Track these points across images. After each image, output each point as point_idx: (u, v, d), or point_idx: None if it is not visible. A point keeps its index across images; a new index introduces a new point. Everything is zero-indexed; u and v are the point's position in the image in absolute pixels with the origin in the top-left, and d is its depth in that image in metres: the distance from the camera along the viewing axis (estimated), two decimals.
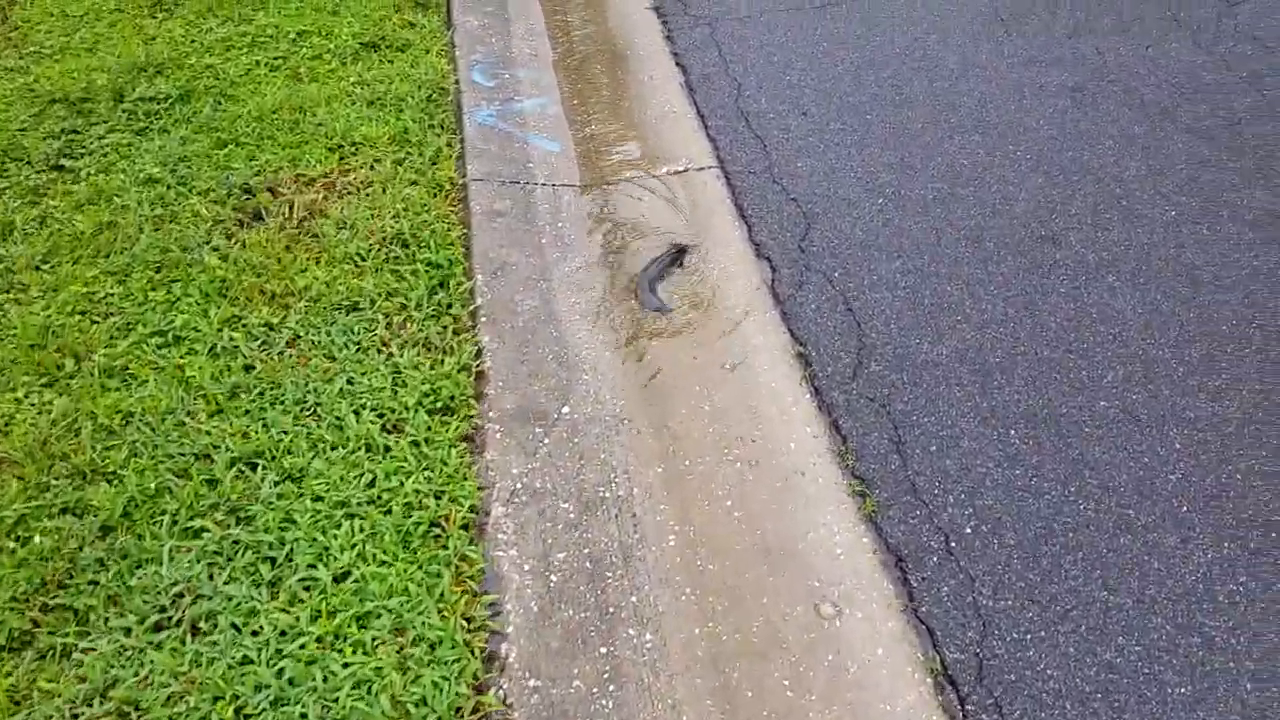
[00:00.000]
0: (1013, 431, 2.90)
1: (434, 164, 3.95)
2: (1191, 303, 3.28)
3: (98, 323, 3.20)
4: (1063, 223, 3.69)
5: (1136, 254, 3.50)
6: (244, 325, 3.17)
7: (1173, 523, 2.61)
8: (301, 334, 3.15)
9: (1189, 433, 2.84)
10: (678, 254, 3.73)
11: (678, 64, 4.87)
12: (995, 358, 3.15)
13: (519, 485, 2.82)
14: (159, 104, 4.14)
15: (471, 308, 3.36)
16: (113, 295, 3.28)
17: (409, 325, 3.22)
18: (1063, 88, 4.46)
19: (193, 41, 4.59)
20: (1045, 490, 2.72)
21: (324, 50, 4.56)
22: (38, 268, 3.41)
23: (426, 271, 3.41)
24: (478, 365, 3.14)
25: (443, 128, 4.20)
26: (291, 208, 3.64)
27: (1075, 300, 3.33)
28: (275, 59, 4.49)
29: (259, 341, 3.12)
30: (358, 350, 3.10)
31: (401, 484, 2.68)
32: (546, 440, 2.97)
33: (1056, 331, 3.22)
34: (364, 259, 3.45)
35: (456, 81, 4.59)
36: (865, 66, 4.70)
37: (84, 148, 3.92)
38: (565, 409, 3.08)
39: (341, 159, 3.90)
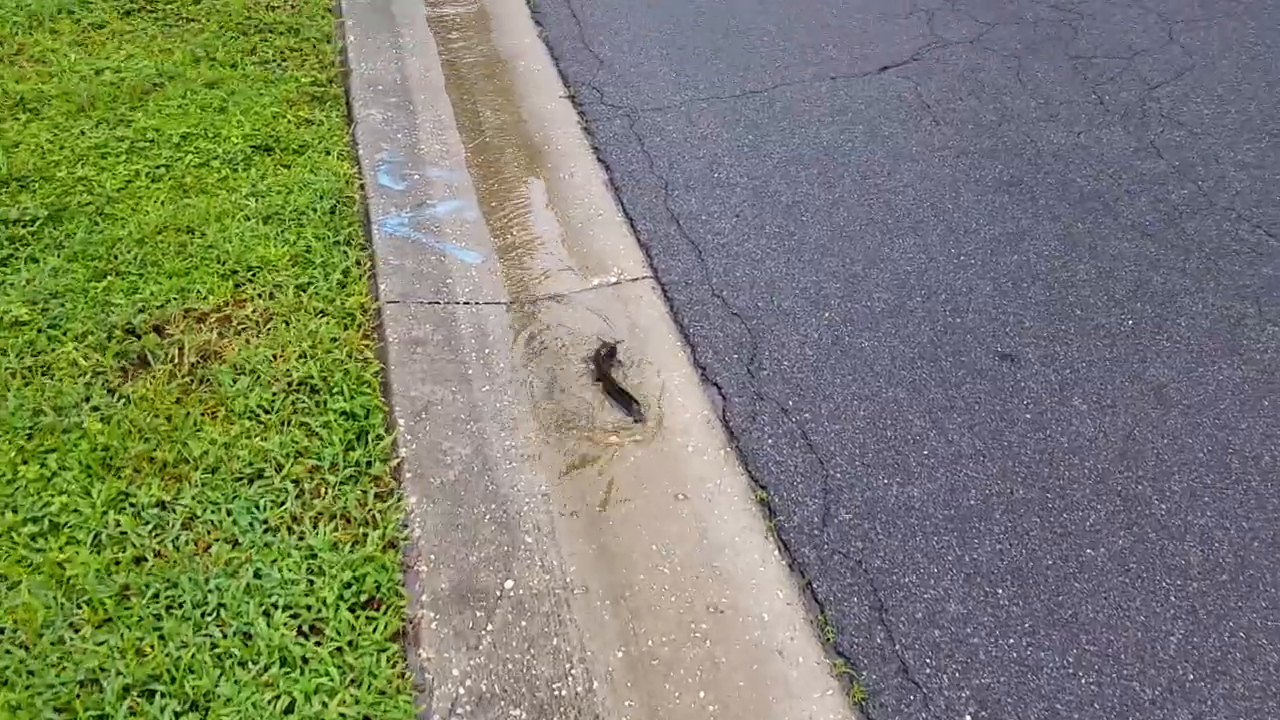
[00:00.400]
0: (1000, 590, 2.68)
1: (342, 287, 3.57)
2: (1163, 427, 3.14)
3: None
4: (1018, 337, 3.54)
5: (1100, 372, 3.36)
6: (132, 505, 2.74)
7: (1181, 695, 2.41)
8: (199, 513, 2.74)
9: (1182, 584, 2.68)
10: (609, 353, 3.47)
11: (599, 159, 4.61)
12: (970, 500, 2.94)
13: (461, 691, 2.46)
14: (25, 226, 3.66)
15: (394, 463, 3.00)
16: None
17: (323, 493, 2.83)
18: (998, 181, 4.36)
19: (62, 148, 4.12)
20: (1044, 663, 2.50)
21: (211, 156, 4.14)
22: None
23: (340, 424, 3.03)
24: (405, 537, 2.77)
25: (349, 243, 3.83)
26: (181, 351, 3.22)
27: (1043, 429, 3.16)
28: (157, 168, 4.06)
29: (150, 526, 2.69)
30: (265, 531, 2.70)
31: (324, 707, 2.29)
32: (490, 626, 2.62)
33: (1029, 466, 3.04)
34: (267, 412, 3.05)
35: (362, 186, 4.23)
36: (793, 161, 4.52)
37: None
38: (509, 583, 2.74)
39: (237, 287, 3.50)
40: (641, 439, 3.19)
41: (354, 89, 4.95)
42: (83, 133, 4.21)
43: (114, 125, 4.27)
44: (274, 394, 3.10)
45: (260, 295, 3.46)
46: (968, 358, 3.46)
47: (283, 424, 3.02)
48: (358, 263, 3.73)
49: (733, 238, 4.08)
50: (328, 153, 4.28)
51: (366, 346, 3.35)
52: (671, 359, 3.53)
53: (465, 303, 3.75)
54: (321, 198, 3.96)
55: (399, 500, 2.88)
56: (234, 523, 2.70)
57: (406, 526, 2.82)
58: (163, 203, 3.84)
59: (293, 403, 3.08)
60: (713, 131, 4.75)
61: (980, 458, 3.09)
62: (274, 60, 4.93)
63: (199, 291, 3.43)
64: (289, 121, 4.45)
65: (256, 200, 3.90)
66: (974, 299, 3.72)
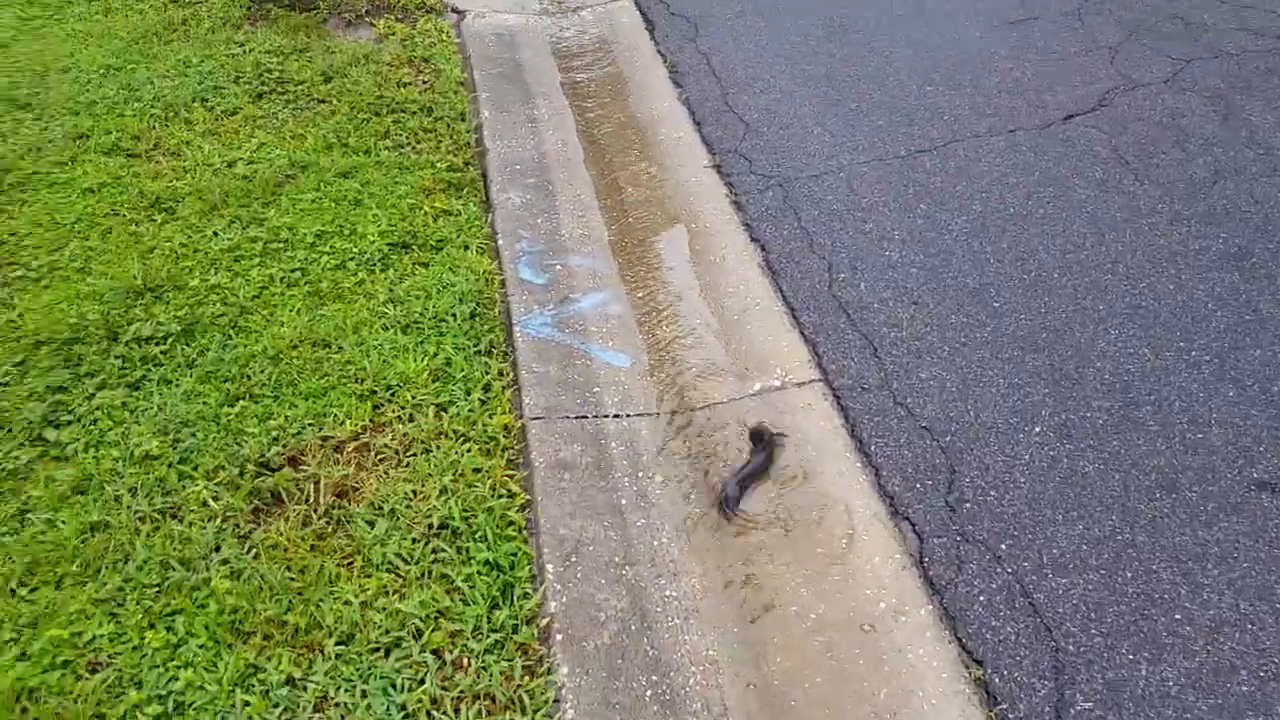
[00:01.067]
0: None
1: (484, 405, 3.26)
2: None
3: (83, 679, 2.50)
4: (1277, 459, 2.92)
5: None
6: (261, 682, 2.47)
7: None
8: (331, 692, 2.44)
9: None
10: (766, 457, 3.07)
11: (752, 238, 4.20)
12: (1241, 685, 2.37)
13: None
14: (157, 344, 3.50)
15: (543, 622, 2.64)
16: (101, 637, 2.59)
17: (465, 667, 2.50)
18: (1224, 254, 3.73)
19: (195, 251, 3.98)
20: None
21: (348, 256, 3.93)
22: (13, 591, 2.73)
23: (484, 576, 2.70)
24: None
25: (491, 351, 3.52)
26: (317, 487, 2.96)
27: None
28: (292, 271, 3.86)
29: (280, 709, 2.40)
30: (403, 718, 2.37)
31: None
32: None
33: None
34: (407, 562, 2.75)
35: (503, 283, 3.94)
36: (976, 234, 4.00)
37: (71, 411, 3.28)
38: None
39: (375, 409, 3.23)
40: (825, 588, 2.74)
41: (491, 171, 4.69)
42: (216, 234, 4.07)
43: (247, 224, 4.12)
44: (413, 540, 2.79)
45: (399, 418, 3.19)
46: (1217, 486, 2.87)
47: (422, 576, 2.71)
48: (500, 374, 3.42)
49: (912, 330, 3.58)
50: (466, 247, 4.02)
51: (510, 477, 3.02)
52: (851, 484, 3.07)
53: (615, 415, 3.39)
54: (461, 300, 3.68)
55: (549, 672, 2.52)
56: (369, 708, 2.38)
57: (559, 704, 2.45)
58: (298, 311, 3.63)
59: (433, 550, 2.77)
60: (878, 200, 4.27)
61: (1248, 625, 2.51)
62: (408, 144, 4.73)
63: (336, 416, 3.18)
64: (426, 213, 4.21)
65: (395, 306, 3.65)
66: (1215, 407, 3.12)
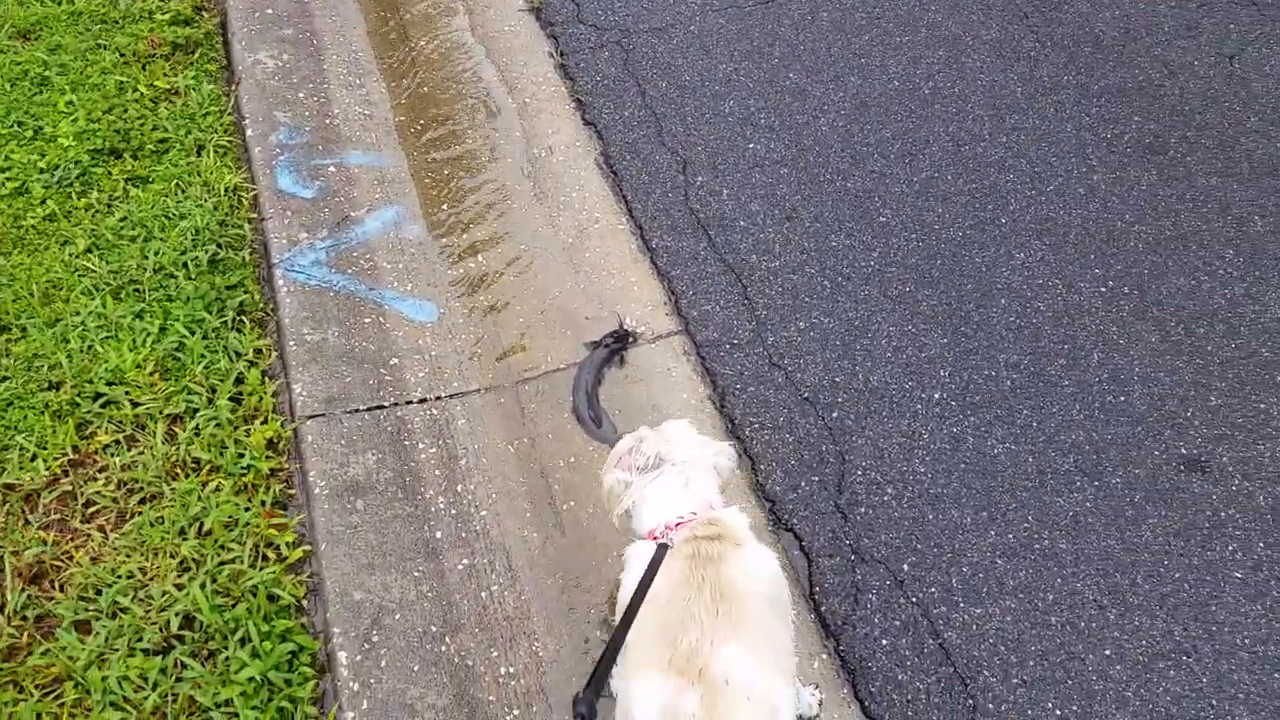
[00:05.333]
0: None
1: (237, 410, 2.42)
2: None
3: None
4: (1207, 429, 2.51)
5: None
6: None
7: None
8: None
9: None
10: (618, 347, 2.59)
11: (586, 120, 3.33)
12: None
13: None
14: None
15: None
16: None
17: None
18: (1138, 146, 3.18)
19: None
20: None
21: (30, 174, 2.83)
22: None
23: (251, 708, 1.98)
24: None
25: (243, 317, 2.63)
26: (1, 576, 2.10)
27: (1262, 596, 2.20)
28: None
29: None
30: None
31: None
32: None
33: (1261, 680, 2.10)
34: (141, 689, 1.98)
35: (255, 199, 2.96)
36: (856, 117, 3.28)
37: None
38: None
39: (80, 430, 2.33)
40: None
41: (233, 19, 3.52)
42: None
43: None
44: (146, 652, 2.02)
45: (112, 447, 2.31)
46: (1143, 469, 2.44)
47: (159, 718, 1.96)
48: (257, 354, 2.55)
49: (787, 259, 2.91)
50: (200, 149, 2.97)
51: (280, 527, 2.24)
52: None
53: (420, 399, 2.62)
54: (196, 238, 2.71)
55: None
56: None
57: None
58: None
59: (179, 668, 2.01)
60: (738, 67, 3.44)
61: (1183, 658, 2.14)
62: None
63: (24, 449, 2.27)
64: (142, 95, 3.09)
65: (101, 256, 2.65)
66: (1137, 358, 2.65)
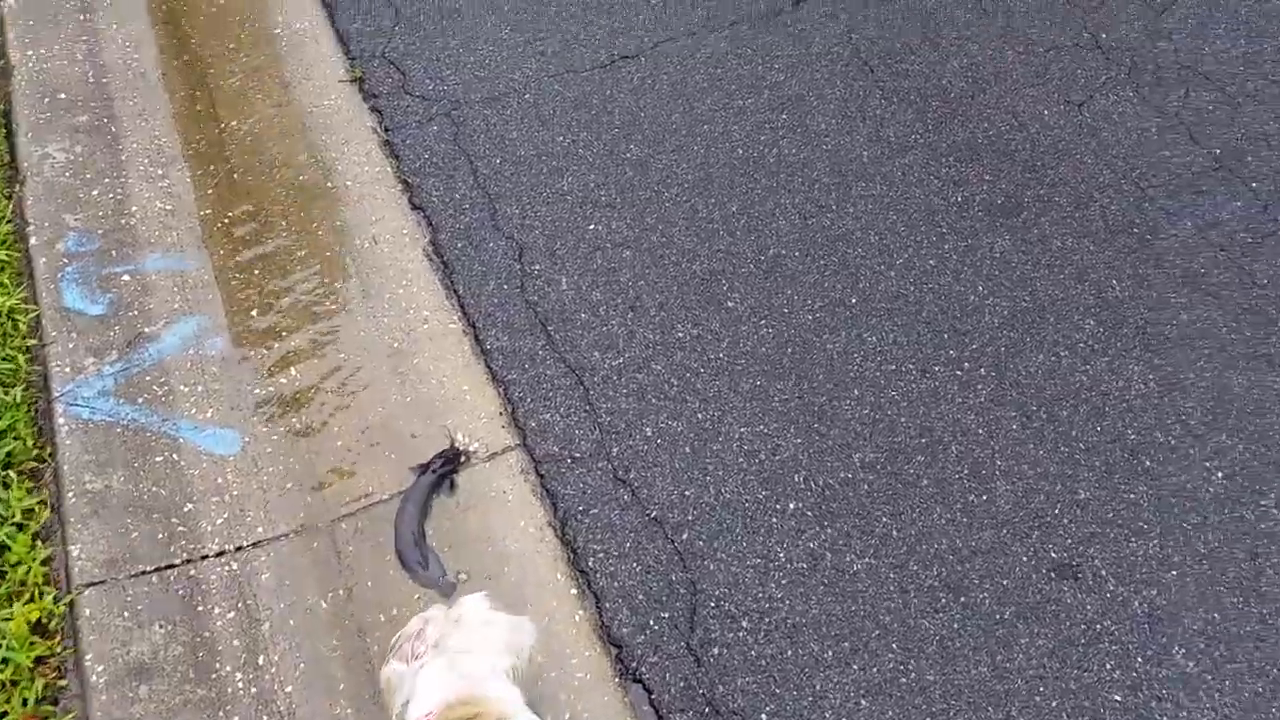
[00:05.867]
0: None
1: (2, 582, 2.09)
2: None
3: None
4: (1078, 528, 2.39)
5: (1211, 601, 2.27)
6: None
7: None
8: None
9: None
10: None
11: (414, 204, 3.07)
12: None
13: None
14: None
15: None
16: None
17: None
18: (990, 208, 3.07)
19: None
20: None
21: None
22: None
23: None
24: None
25: (10, 470, 2.30)
26: None
27: None
28: None
29: None
30: None
31: None
32: None
33: None
34: None
35: (36, 321, 2.62)
36: (700, 190, 3.11)
37: None
38: None
39: None
40: None
41: (18, 106, 3.17)
42: None
43: None
44: None
45: None
46: (1011, 579, 2.32)
47: None
48: (26, 516, 2.22)
49: (632, 355, 2.71)
50: None
51: None
52: (567, 629, 2.24)
53: (218, 552, 2.33)
54: None
55: None
56: None
57: None
58: None
59: None
60: (577, 138, 3.23)
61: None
62: None
63: None
64: None
65: None
66: (998, 449, 2.54)
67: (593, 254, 2.93)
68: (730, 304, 2.83)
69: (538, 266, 2.90)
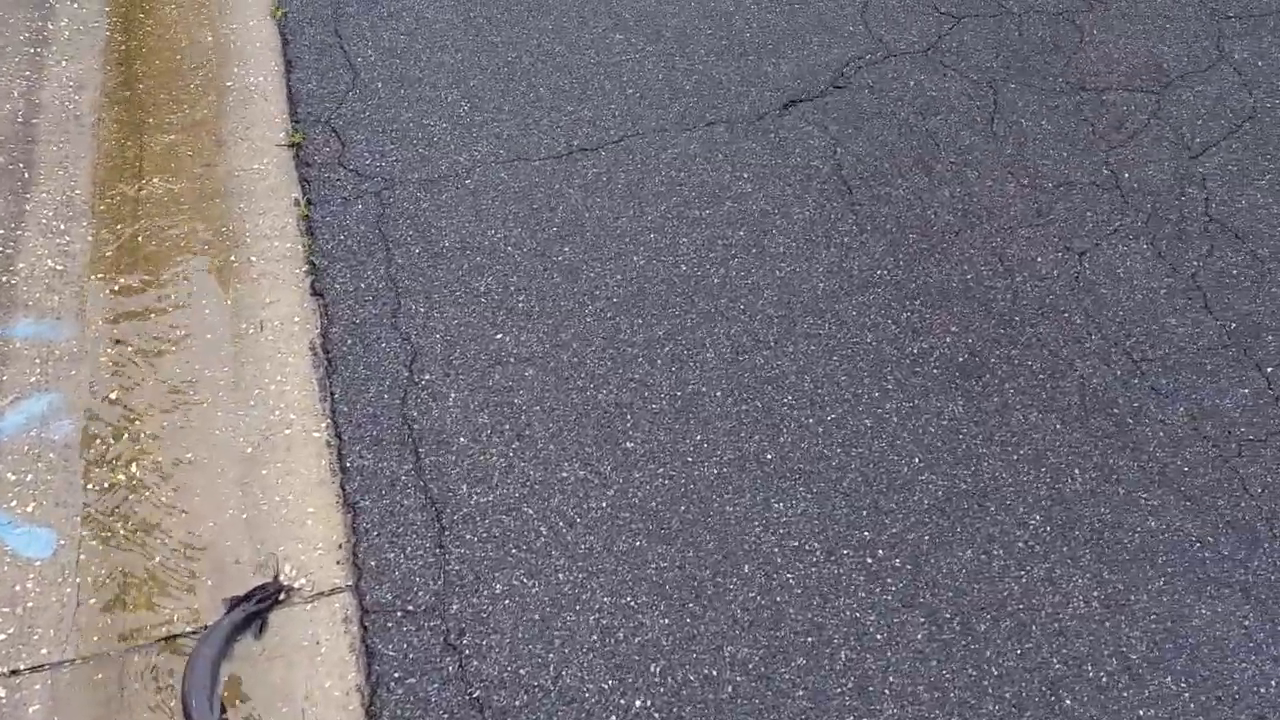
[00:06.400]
0: None
1: None
2: None
3: None
4: None
5: None
6: None
7: None
8: None
9: None
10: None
11: (315, 290, 2.84)
12: None
13: None
14: None
15: None
16: None
17: None
18: (949, 364, 2.69)
19: None
20: None
21: None
22: None
23: None
24: None
25: None
26: None
27: None
28: None
29: None
30: None
31: None
32: None
33: None
34: None
35: None
36: (628, 308, 2.80)
37: None
38: None
39: None
40: None
41: None
42: None
43: None
44: None
45: None
46: None
47: None
48: None
49: (504, 493, 2.40)
50: None
51: None
52: None
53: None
54: None
55: None
56: None
57: None
58: None
59: None
60: (509, 234, 2.96)
61: None
62: None
63: None
64: None
65: None
66: (895, 669, 2.13)
67: (492, 368, 2.64)
68: (629, 444, 2.50)
69: (427, 376, 2.62)
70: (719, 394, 2.60)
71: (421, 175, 3.11)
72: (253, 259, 2.88)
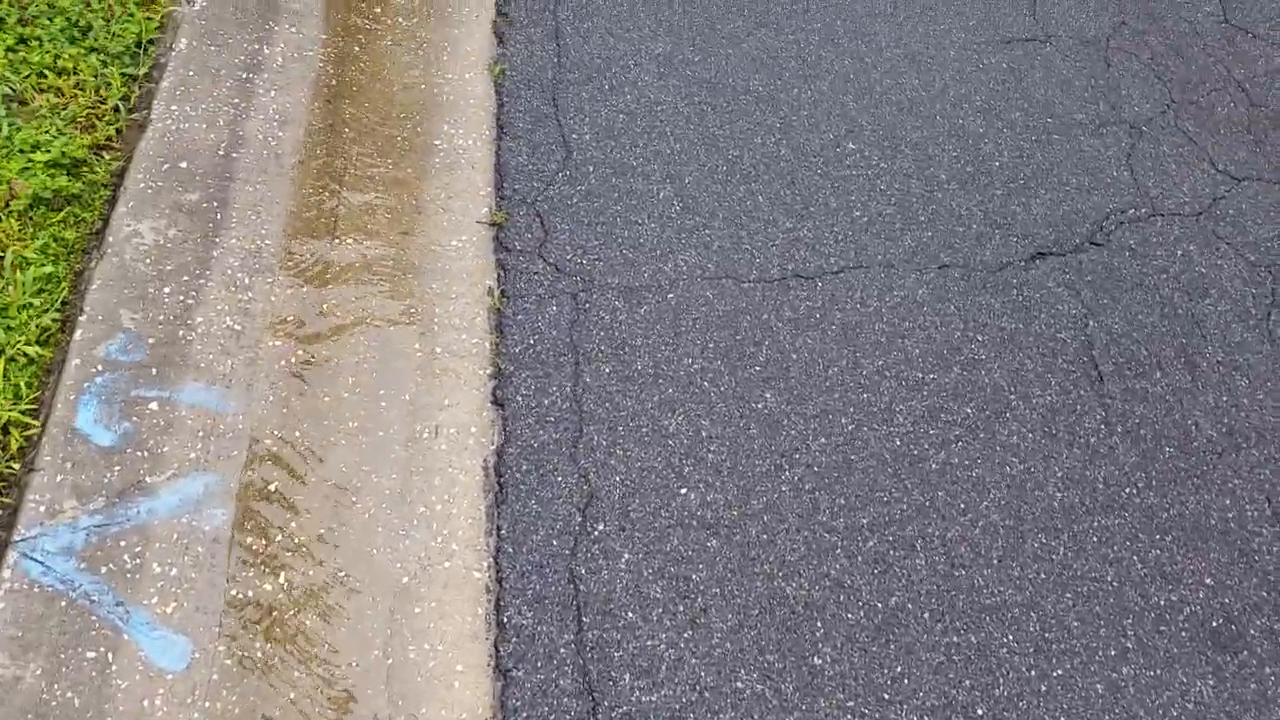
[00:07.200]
0: None
1: None
2: None
3: None
4: None
5: None
6: None
7: None
8: None
9: None
10: None
11: (494, 398, 2.60)
12: None
13: None
14: None
15: None
16: None
17: None
18: (1198, 628, 2.27)
19: None
20: None
21: None
22: None
23: None
24: None
25: None
26: None
27: None
28: None
29: None
30: None
31: None
32: None
33: None
34: None
35: (35, 439, 2.31)
36: (829, 482, 2.49)
37: None
38: None
39: None
40: None
41: (134, 171, 2.92)
42: None
43: None
44: None
45: None
46: None
47: None
48: None
49: (670, 693, 2.12)
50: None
51: None
52: None
53: None
54: None
55: None
56: None
57: None
58: None
59: None
60: (707, 365, 2.68)
61: None
62: (39, 88, 2.91)
63: None
64: None
65: None
66: None
67: (671, 530, 2.36)
68: (818, 660, 2.18)
69: (601, 526, 2.36)
70: (926, 616, 2.26)
71: (622, 281, 2.85)
72: (438, 350, 2.68)
